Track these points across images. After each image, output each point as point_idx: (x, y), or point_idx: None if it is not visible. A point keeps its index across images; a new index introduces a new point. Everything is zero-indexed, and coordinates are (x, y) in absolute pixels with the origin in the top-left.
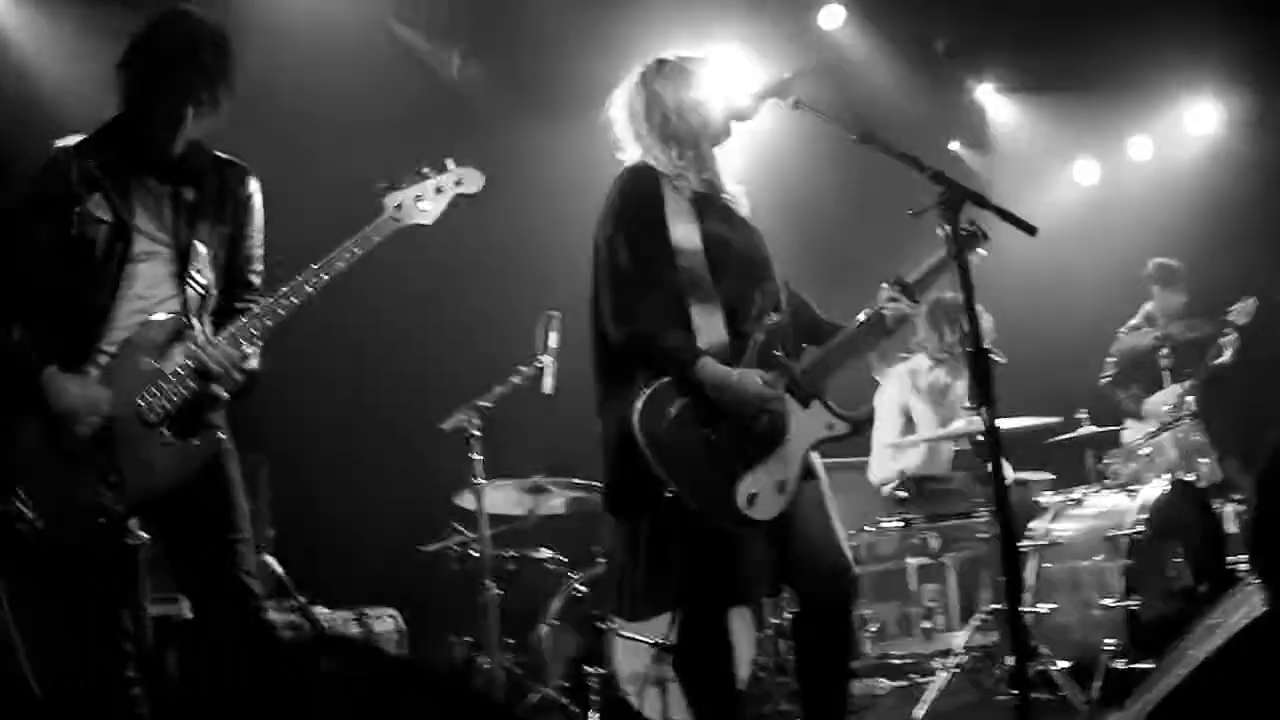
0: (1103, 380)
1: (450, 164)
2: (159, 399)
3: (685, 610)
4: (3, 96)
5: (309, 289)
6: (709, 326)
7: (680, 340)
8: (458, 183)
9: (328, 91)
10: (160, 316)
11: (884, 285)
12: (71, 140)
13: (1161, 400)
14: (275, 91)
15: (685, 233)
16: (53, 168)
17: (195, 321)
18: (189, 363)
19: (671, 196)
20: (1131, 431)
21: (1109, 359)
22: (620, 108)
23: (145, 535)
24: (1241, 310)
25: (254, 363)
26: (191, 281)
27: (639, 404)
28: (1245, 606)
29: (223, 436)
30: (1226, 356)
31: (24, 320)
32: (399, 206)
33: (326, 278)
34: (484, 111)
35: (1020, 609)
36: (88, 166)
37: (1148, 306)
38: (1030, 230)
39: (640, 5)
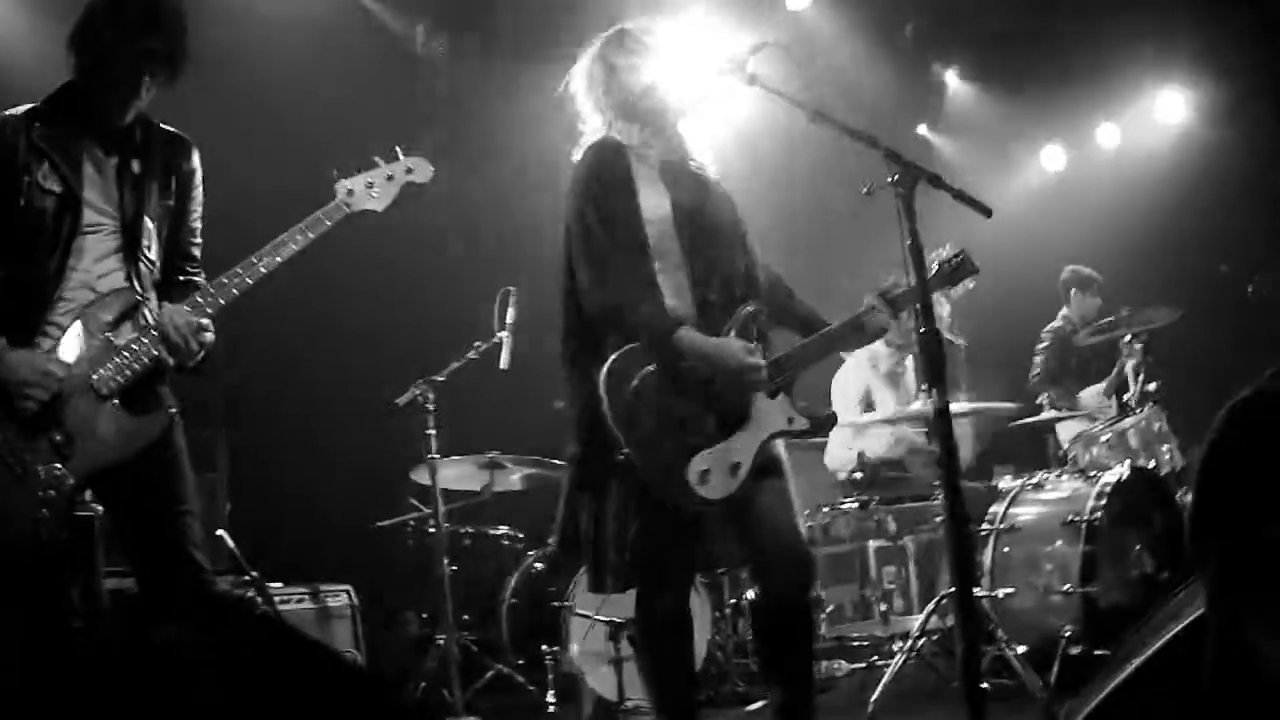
0: (1032, 378)
1: (400, 153)
2: (112, 373)
3: (643, 584)
4: None
5: (262, 269)
6: (677, 296)
7: (655, 310)
8: (408, 171)
9: (288, 63)
10: (112, 290)
11: (867, 296)
12: (17, 110)
13: (1092, 394)
14: (233, 63)
15: (654, 203)
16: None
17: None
18: (148, 334)
19: (638, 167)
20: (1067, 427)
21: (1036, 358)
22: (581, 79)
23: (98, 507)
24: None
25: (209, 336)
26: (140, 256)
27: (606, 366)
28: (1199, 598)
29: (173, 410)
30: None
31: None
32: (350, 192)
33: (279, 259)
34: (444, 86)
35: (969, 592)
36: (35, 136)
37: (1064, 311)
38: (985, 212)
39: None
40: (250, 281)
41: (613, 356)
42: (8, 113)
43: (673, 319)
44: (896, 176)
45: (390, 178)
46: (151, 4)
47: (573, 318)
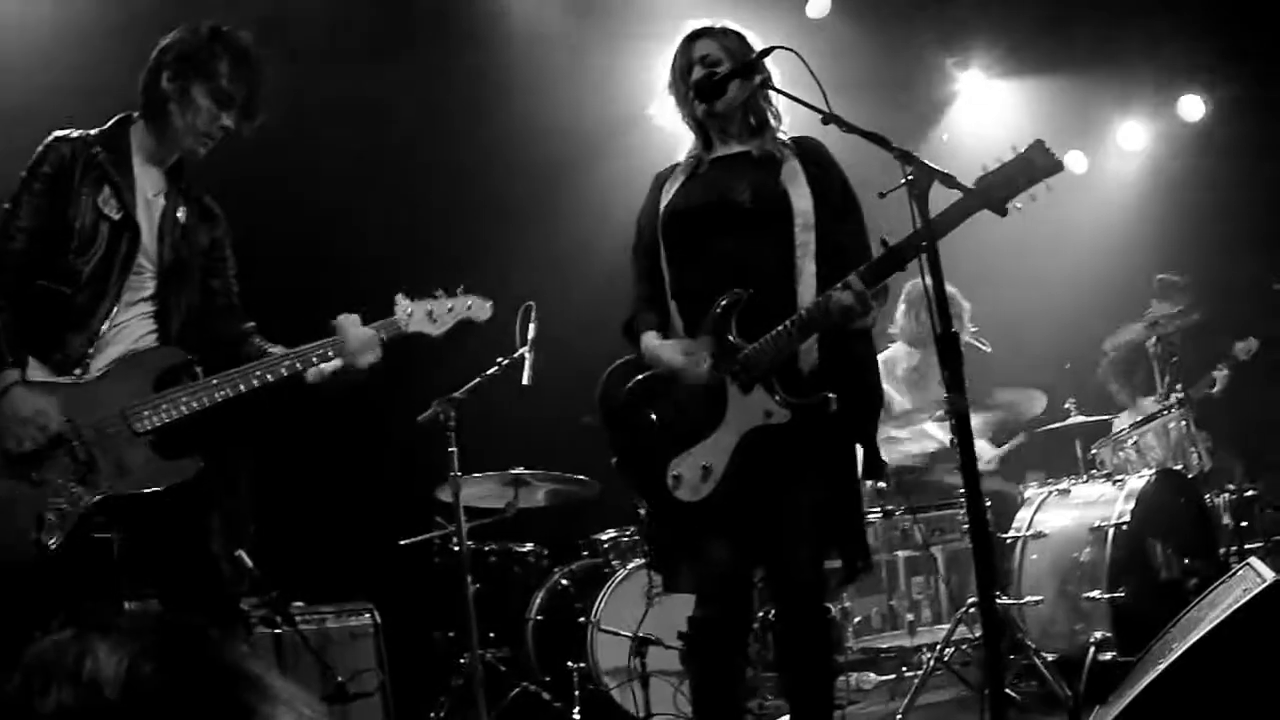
0: (1099, 371)
1: (461, 291)
2: (150, 414)
3: (695, 592)
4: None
5: (314, 359)
6: (668, 304)
7: (640, 319)
8: (469, 308)
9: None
10: (167, 347)
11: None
12: (74, 132)
13: (1152, 403)
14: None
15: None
16: (52, 153)
17: (172, 341)
18: (192, 388)
19: (669, 184)
20: (1122, 421)
21: (1105, 349)
22: None
23: (112, 534)
24: (1243, 349)
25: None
26: (172, 301)
27: (601, 379)
28: (1229, 599)
29: (201, 464)
30: (1216, 389)
31: (3, 301)
32: (410, 314)
33: (332, 354)
34: (466, 98)
35: (992, 602)
36: (95, 160)
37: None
38: (1000, 211)
39: None
40: (299, 367)
41: (608, 370)
42: (66, 133)
43: (644, 325)
44: (910, 178)
45: (450, 310)
46: (245, 46)
47: None
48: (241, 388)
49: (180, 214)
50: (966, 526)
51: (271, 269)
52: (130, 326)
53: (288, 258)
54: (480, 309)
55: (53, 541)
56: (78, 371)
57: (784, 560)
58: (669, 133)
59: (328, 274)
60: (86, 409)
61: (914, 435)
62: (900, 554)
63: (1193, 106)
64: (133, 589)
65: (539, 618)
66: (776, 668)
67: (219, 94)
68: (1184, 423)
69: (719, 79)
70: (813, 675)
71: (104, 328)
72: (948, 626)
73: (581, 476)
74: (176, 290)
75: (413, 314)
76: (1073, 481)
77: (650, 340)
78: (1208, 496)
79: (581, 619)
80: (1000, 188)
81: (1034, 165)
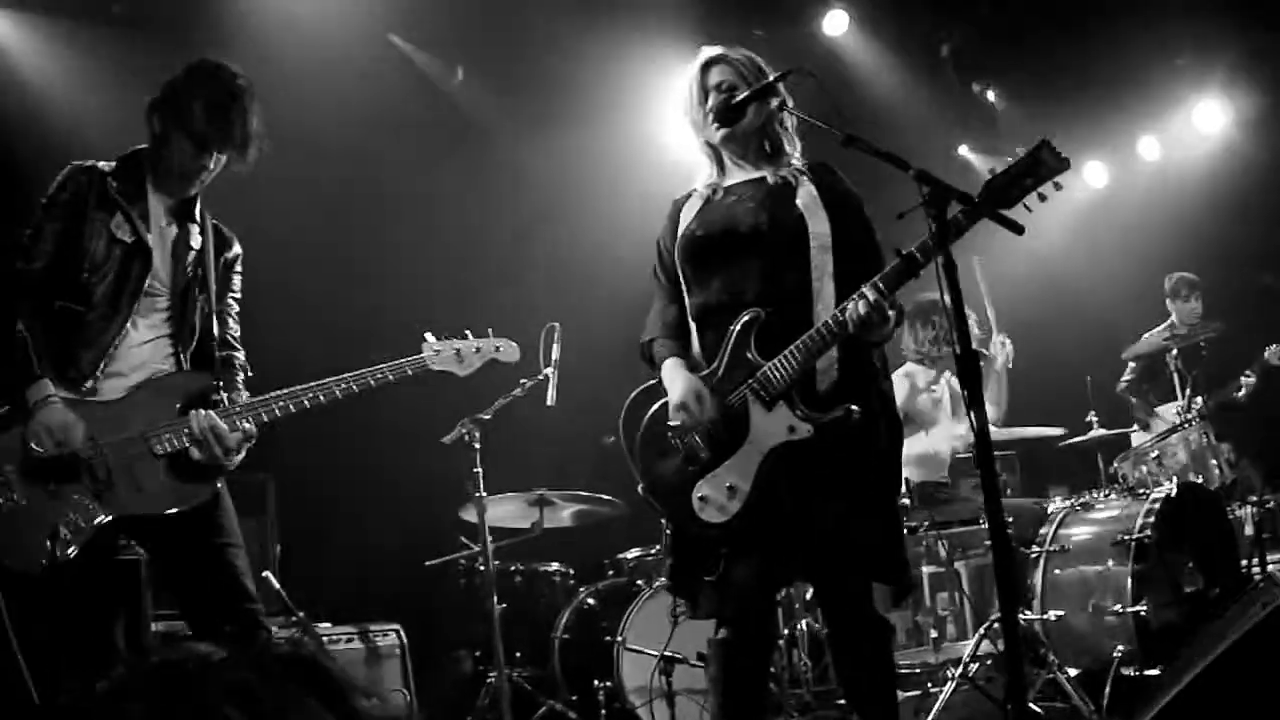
0: (1120, 386)
1: (490, 333)
2: (170, 437)
3: (716, 612)
4: (11, 119)
5: (337, 394)
6: (690, 327)
7: (659, 345)
8: (496, 349)
9: (328, 107)
10: (191, 371)
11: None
12: (90, 163)
13: (1172, 410)
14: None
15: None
16: (70, 182)
17: (187, 361)
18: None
19: (687, 210)
20: (1140, 436)
21: (1129, 364)
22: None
23: (141, 552)
24: (1275, 353)
25: (242, 450)
26: (186, 325)
27: (625, 405)
28: (1251, 612)
29: (219, 486)
30: (1242, 394)
31: (27, 320)
32: (437, 353)
33: (356, 389)
34: (484, 124)
35: (1013, 615)
36: (109, 189)
37: (1170, 319)
38: (1018, 230)
39: (639, 12)
40: (324, 401)
41: (632, 394)
42: (83, 163)
43: (666, 349)
44: (927, 198)
45: (478, 350)
46: (223, 85)
47: None
48: (265, 417)
49: (195, 240)
50: (989, 542)
51: (305, 307)
52: (154, 348)
53: (319, 294)
54: (509, 351)
55: (69, 553)
56: (89, 385)
57: (831, 578)
58: (685, 159)
59: (364, 306)
60: (111, 428)
61: (937, 452)
62: (924, 570)
63: (1211, 117)
64: (158, 609)
65: (565, 637)
66: (840, 682)
67: (195, 137)
68: (1204, 435)
69: (737, 103)
70: (879, 685)
71: (115, 345)
72: (972, 642)
73: (606, 496)
74: (191, 312)
75: (441, 353)
76: (1094, 496)
77: (667, 370)
78: (1229, 508)
79: (607, 638)
80: (1009, 188)
81: (1042, 164)
